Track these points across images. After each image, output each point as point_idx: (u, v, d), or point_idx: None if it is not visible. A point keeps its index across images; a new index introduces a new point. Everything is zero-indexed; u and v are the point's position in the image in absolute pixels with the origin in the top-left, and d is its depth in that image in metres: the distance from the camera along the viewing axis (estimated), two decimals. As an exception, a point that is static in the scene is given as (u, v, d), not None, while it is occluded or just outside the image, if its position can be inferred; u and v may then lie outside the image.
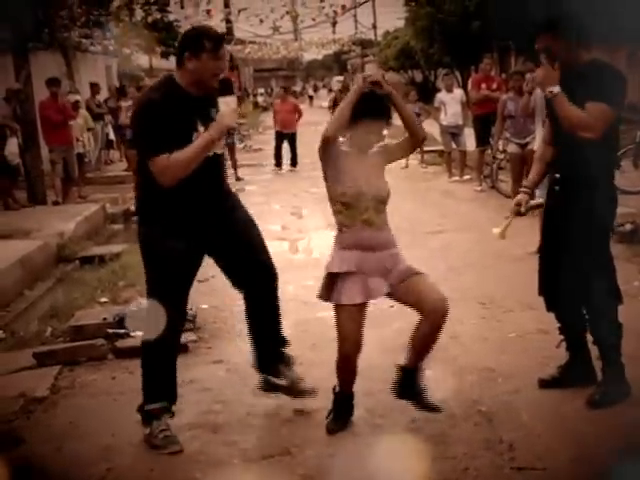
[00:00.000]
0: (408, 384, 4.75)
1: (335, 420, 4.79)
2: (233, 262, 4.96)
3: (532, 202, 5.23)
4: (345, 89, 25.22)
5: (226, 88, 4.68)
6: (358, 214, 4.51)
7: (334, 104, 23.96)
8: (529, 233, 8.47)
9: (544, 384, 5.21)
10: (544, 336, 5.99)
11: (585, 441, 4.46)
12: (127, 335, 6.47)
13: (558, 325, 5.23)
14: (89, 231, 11.55)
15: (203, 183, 4.63)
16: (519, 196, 5.19)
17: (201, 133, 4.56)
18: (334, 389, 4.83)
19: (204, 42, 4.50)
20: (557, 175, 5.00)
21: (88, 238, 11.14)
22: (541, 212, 8.40)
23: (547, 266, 5.13)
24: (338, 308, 4.60)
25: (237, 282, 5.08)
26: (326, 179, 4.61)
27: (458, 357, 5.76)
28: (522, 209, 5.12)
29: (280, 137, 19.28)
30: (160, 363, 4.82)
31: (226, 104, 4.62)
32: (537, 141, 9.08)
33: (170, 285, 4.69)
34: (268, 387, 5.20)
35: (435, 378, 5.19)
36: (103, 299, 7.79)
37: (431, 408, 4.76)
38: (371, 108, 4.50)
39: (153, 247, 4.70)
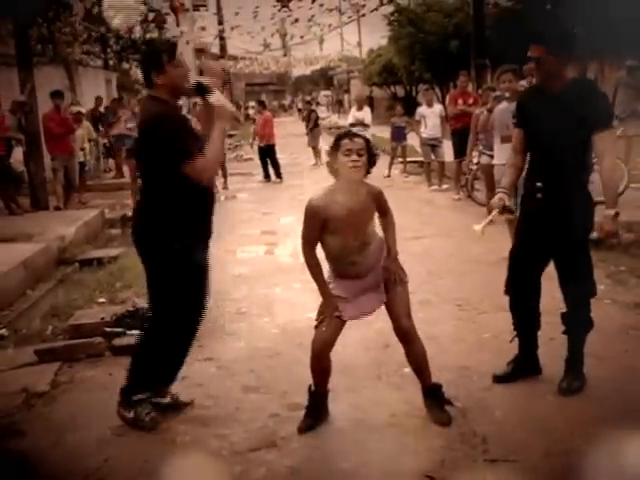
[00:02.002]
0: (437, 398, 4.76)
1: (306, 418, 4.73)
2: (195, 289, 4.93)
3: (508, 203, 5.23)
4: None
5: (202, 89, 4.75)
6: (343, 258, 4.55)
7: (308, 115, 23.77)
8: (503, 240, 8.50)
9: (498, 380, 5.27)
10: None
11: (555, 434, 4.46)
12: (124, 334, 6.44)
13: (514, 323, 5.30)
14: (88, 235, 11.51)
15: (204, 192, 4.72)
16: (500, 194, 5.16)
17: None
18: (309, 389, 4.79)
19: (162, 55, 4.65)
20: (539, 184, 4.99)
21: (87, 242, 11.10)
22: (509, 220, 8.51)
23: (521, 267, 5.16)
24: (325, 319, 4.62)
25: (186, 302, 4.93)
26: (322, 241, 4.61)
27: (435, 356, 5.72)
28: (505, 203, 5.11)
29: (261, 151, 18.94)
30: (160, 361, 4.91)
31: (217, 98, 4.71)
32: (495, 155, 9.17)
33: (196, 284, 4.81)
34: (152, 407, 4.95)
35: (412, 375, 5.19)
36: (101, 299, 7.76)
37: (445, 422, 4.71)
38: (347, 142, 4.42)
39: (184, 260, 4.68)
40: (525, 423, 4.67)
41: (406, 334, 4.67)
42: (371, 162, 4.46)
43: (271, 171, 18.84)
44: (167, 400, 5.08)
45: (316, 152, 21.79)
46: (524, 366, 5.28)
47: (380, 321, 5.94)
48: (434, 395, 4.76)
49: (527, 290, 5.19)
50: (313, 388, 4.77)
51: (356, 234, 4.51)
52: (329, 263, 4.64)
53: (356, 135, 4.49)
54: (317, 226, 4.46)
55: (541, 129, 4.97)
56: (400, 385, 5.11)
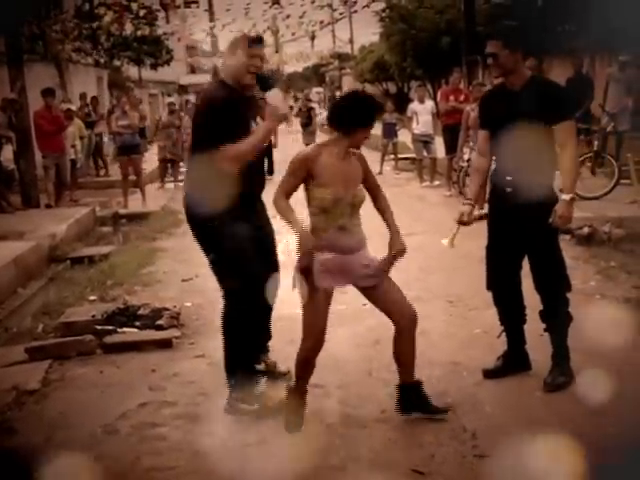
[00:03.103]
0: (410, 398, 4.71)
1: (289, 416, 4.69)
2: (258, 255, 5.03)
3: (475, 213, 5.28)
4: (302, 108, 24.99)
5: (267, 83, 4.93)
6: (333, 220, 4.48)
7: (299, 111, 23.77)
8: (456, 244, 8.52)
9: (488, 374, 5.30)
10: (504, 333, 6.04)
11: (544, 431, 4.48)
12: (115, 331, 6.45)
13: (500, 318, 5.34)
14: (79, 233, 11.51)
15: (254, 171, 4.92)
16: (463, 207, 5.24)
17: (256, 126, 4.84)
18: (287, 387, 4.74)
19: (240, 41, 4.81)
20: (508, 178, 5.02)
21: (79, 239, 11.11)
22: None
23: (496, 262, 5.22)
24: (308, 306, 4.54)
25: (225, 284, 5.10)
26: (306, 184, 4.54)
27: (426, 352, 5.75)
28: (465, 219, 5.17)
29: None
30: (247, 339, 5.04)
31: (274, 96, 4.83)
32: None
33: (252, 260, 4.88)
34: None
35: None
36: (92, 297, 7.77)
37: (440, 411, 4.72)
38: (360, 114, 4.46)
39: (227, 228, 4.80)
40: (515, 418, 4.70)
41: (414, 319, 4.61)
42: None
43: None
44: (261, 367, 5.31)
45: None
46: (513, 361, 5.32)
47: (370, 318, 5.99)
48: (410, 391, 4.71)
49: (506, 284, 5.24)
50: (293, 384, 4.72)
51: (346, 188, 4.45)
52: (317, 230, 4.48)
53: None
54: (299, 175, 4.44)
55: (504, 126, 4.98)
56: (390, 381, 5.10)
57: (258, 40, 4.89)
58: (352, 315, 5.83)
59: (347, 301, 6.12)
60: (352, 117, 4.45)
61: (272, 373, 5.38)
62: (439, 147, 15.23)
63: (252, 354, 5.12)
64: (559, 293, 5.10)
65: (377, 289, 4.62)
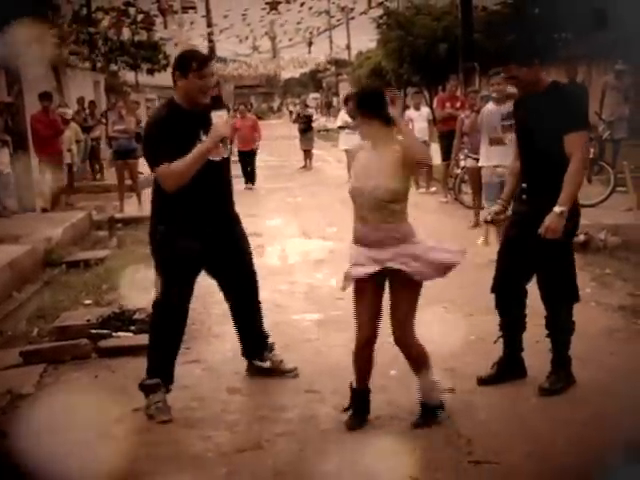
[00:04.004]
0: (430, 416, 4.72)
1: (353, 416, 4.73)
2: (226, 270, 5.30)
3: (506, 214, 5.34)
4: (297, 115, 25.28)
5: (217, 103, 5.08)
6: (356, 211, 4.53)
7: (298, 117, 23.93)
8: (491, 242, 8.52)
9: (483, 382, 5.30)
10: (502, 339, 6.03)
11: (539, 437, 4.49)
12: (110, 335, 6.44)
13: (500, 323, 5.34)
14: (75, 237, 11.48)
15: (210, 186, 4.96)
16: (495, 207, 5.32)
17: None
18: (350, 385, 4.76)
19: (190, 63, 4.85)
20: (524, 185, 5.09)
21: (74, 244, 11.09)
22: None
23: (506, 265, 5.21)
24: (355, 299, 4.63)
25: (226, 287, 5.44)
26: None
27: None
28: (494, 218, 5.28)
29: (242, 155, 17.56)
30: (161, 347, 5.11)
31: (218, 117, 4.90)
32: (482, 156, 9.17)
33: (180, 279, 5.00)
34: (254, 371, 5.59)
35: (398, 378, 5.22)
36: (87, 301, 7.75)
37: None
38: (370, 104, 4.48)
39: (166, 244, 4.97)
40: (510, 425, 4.70)
41: (399, 344, 4.67)
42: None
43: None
44: (267, 364, 5.54)
45: (308, 155, 21.82)
46: (508, 368, 5.31)
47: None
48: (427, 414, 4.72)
49: (512, 290, 5.24)
50: (354, 385, 4.75)
51: (366, 180, 4.46)
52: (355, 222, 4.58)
53: None
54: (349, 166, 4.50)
55: (522, 132, 5.10)
56: (385, 387, 5.11)
57: (207, 60, 5.02)
58: (348, 321, 5.78)
59: (342, 306, 6.12)
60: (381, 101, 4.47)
61: (278, 370, 5.54)
62: (435, 154, 15.21)
63: (166, 365, 5.13)
64: (568, 304, 5.11)
65: (401, 283, 4.55)
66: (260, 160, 18.45)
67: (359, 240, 4.53)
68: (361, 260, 4.51)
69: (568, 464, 4.17)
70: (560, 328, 5.11)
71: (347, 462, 4.29)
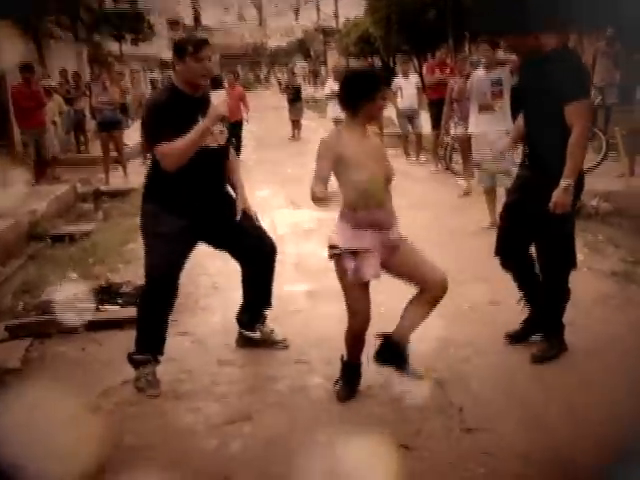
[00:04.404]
0: (393, 352, 4.71)
1: (344, 387, 4.75)
2: (234, 246, 5.34)
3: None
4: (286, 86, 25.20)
5: (216, 84, 5.02)
6: (372, 197, 4.44)
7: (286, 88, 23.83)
8: (481, 211, 8.53)
9: (510, 339, 5.36)
10: (496, 307, 6.07)
11: (532, 404, 4.51)
12: (97, 309, 6.43)
13: (516, 283, 5.35)
14: (60, 210, 11.41)
15: (205, 172, 5.02)
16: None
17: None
18: (342, 358, 4.77)
19: (186, 47, 4.93)
20: (526, 150, 5.13)
21: (59, 217, 11.02)
22: (487, 192, 8.55)
23: (507, 228, 5.25)
24: (352, 285, 4.52)
25: (242, 259, 5.44)
26: (336, 168, 4.46)
27: (412, 327, 5.77)
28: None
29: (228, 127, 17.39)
30: (150, 322, 5.14)
31: (217, 96, 4.88)
32: (472, 124, 9.13)
33: (166, 257, 5.03)
34: (244, 342, 5.63)
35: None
36: (73, 275, 7.72)
37: (415, 374, 4.74)
38: (359, 89, 4.44)
39: (155, 221, 5.03)
40: (502, 393, 4.70)
41: (443, 292, 4.65)
42: None
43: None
44: (257, 335, 5.59)
45: (297, 125, 21.74)
46: (535, 326, 5.33)
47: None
48: (396, 346, 4.71)
49: (514, 253, 5.25)
50: (346, 358, 4.77)
51: (379, 165, 4.49)
52: (355, 205, 4.45)
53: None
54: (329, 156, 4.40)
55: (522, 98, 5.12)
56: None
57: (204, 43, 5.02)
58: (337, 291, 5.77)
59: (332, 277, 6.10)
60: (353, 94, 4.46)
61: (268, 342, 5.58)
62: (425, 123, 15.17)
63: (155, 339, 5.16)
64: (566, 270, 5.11)
65: (398, 257, 4.62)
66: (248, 131, 18.30)
67: (374, 224, 4.47)
68: (374, 245, 4.47)
69: (559, 430, 4.19)
70: (556, 295, 5.12)
71: (338, 432, 4.29)
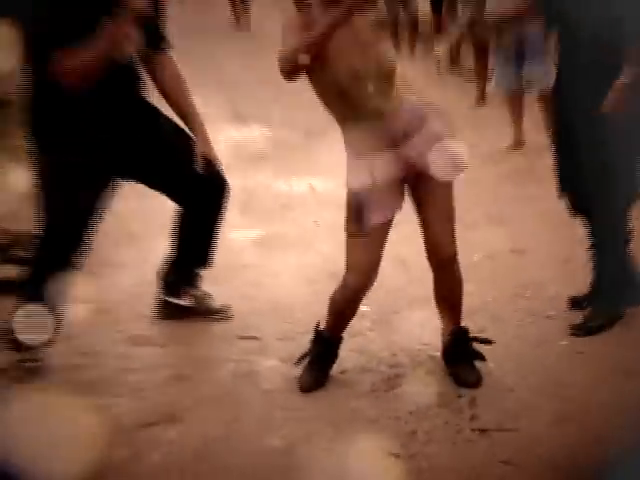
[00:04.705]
0: (460, 347, 4.74)
1: (310, 371, 4.75)
2: (166, 179, 5.34)
3: None
4: None
5: None
6: (360, 105, 4.29)
7: None
8: (501, 125, 8.47)
9: (573, 304, 5.35)
10: (518, 257, 6.07)
11: (569, 395, 4.49)
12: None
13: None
14: None
15: (111, 95, 4.97)
16: None
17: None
18: (316, 327, 4.77)
19: None
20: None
21: None
22: (510, 99, 8.57)
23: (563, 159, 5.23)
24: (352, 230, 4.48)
25: (180, 197, 5.45)
26: (309, 72, 4.28)
27: (406, 287, 5.75)
28: None
29: None
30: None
31: None
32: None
33: (72, 209, 5.02)
34: (167, 312, 5.66)
35: (374, 312, 5.20)
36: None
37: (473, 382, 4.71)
38: None
39: (55, 173, 4.98)
40: (530, 379, 4.70)
41: (444, 264, 4.66)
42: None
43: None
44: (186, 302, 5.61)
45: (245, 10, 21.66)
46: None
47: (325, 241, 5.96)
48: (461, 344, 4.74)
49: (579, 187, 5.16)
50: (323, 328, 4.75)
51: (364, 53, 4.26)
52: (344, 120, 4.37)
53: None
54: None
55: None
56: (351, 329, 5.05)
57: None
58: (297, 237, 5.76)
59: (291, 218, 6.07)
60: None
61: (202, 310, 5.61)
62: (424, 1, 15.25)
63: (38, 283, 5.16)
64: (626, 202, 5.04)
65: (430, 189, 4.51)
66: (171, 17, 18.14)
67: (381, 142, 4.33)
68: (383, 174, 4.34)
69: (607, 431, 4.15)
70: (612, 236, 5.07)
71: (299, 435, 4.27)
